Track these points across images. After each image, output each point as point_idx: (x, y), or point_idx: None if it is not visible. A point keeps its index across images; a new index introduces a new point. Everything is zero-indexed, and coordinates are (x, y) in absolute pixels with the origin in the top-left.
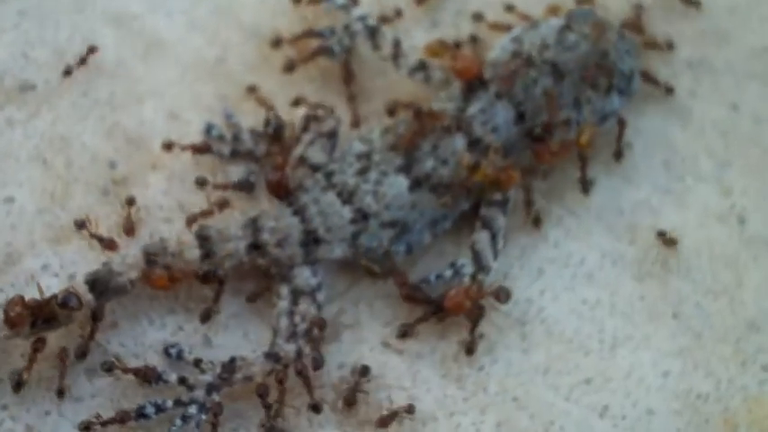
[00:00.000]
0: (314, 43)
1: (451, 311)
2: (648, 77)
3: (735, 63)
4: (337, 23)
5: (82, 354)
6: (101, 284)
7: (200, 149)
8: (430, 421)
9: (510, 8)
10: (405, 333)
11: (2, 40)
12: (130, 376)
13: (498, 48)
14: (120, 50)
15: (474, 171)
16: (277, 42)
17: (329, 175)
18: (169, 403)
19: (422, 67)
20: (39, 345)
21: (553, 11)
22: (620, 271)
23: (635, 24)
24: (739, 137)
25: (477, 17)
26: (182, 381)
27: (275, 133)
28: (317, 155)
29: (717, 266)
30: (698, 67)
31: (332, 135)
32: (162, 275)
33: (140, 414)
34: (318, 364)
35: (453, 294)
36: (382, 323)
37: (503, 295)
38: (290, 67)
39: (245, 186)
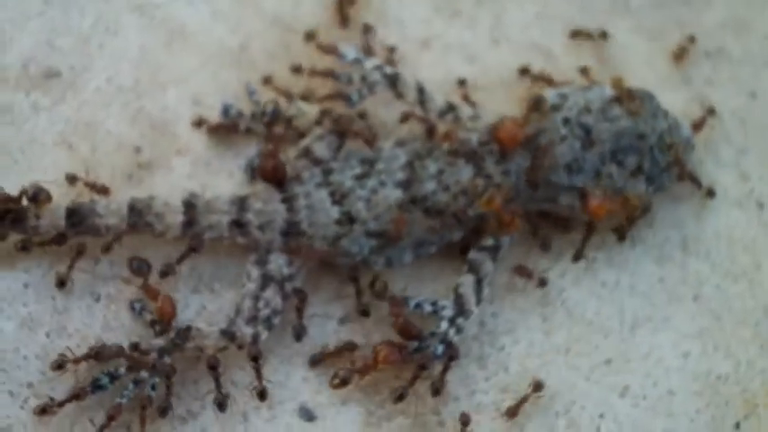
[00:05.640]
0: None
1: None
2: (692, 177)
3: (752, 52)
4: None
5: (27, 242)
6: (78, 216)
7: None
8: (451, 401)
9: (585, 71)
10: (401, 396)
11: (27, 28)
12: (87, 363)
13: None
14: (144, 38)
15: (482, 198)
16: (297, 69)
17: (327, 173)
18: (122, 370)
19: (450, 108)
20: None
21: (616, 83)
22: (640, 254)
23: (698, 125)
24: (757, 124)
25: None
26: (134, 347)
27: (270, 121)
28: (321, 150)
29: (736, 250)
30: (716, 57)
31: (342, 134)
32: None
33: (96, 386)
34: (300, 333)
35: (386, 353)
36: None
37: (438, 388)
38: (297, 70)
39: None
